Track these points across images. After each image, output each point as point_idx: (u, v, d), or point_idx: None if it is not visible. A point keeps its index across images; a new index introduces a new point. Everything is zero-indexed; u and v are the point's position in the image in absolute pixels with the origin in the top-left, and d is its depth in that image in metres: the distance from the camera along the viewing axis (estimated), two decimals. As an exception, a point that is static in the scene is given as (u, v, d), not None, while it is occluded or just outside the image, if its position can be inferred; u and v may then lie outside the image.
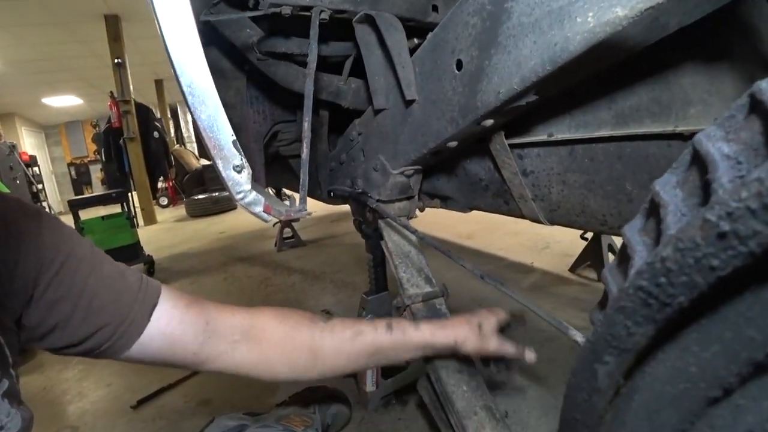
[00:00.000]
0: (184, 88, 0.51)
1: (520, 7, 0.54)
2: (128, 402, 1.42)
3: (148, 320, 0.53)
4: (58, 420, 1.39)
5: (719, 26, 0.53)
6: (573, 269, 2.09)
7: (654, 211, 0.25)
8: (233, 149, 0.54)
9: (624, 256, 0.26)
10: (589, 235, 2.02)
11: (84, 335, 0.49)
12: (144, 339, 0.53)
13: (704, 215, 0.19)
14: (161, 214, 6.62)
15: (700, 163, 0.22)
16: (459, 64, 0.65)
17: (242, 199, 0.57)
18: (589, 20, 0.46)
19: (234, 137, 0.54)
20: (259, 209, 0.59)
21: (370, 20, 0.78)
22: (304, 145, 0.63)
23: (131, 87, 5.29)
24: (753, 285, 0.22)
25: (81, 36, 5.87)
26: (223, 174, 0.55)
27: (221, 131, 0.53)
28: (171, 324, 0.56)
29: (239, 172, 0.55)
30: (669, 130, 0.57)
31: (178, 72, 0.50)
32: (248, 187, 0.57)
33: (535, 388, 1.24)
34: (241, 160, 0.55)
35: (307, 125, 0.64)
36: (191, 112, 0.52)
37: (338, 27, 0.84)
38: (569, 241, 2.54)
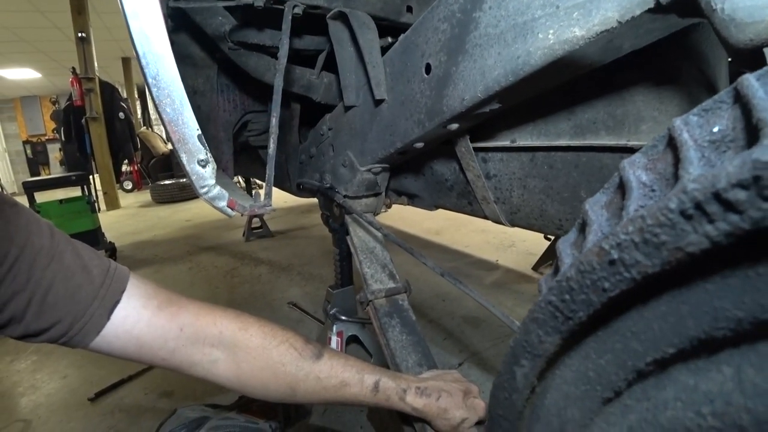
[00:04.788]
0: (149, 80, 0.50)
1: (487, 18, 0.56)
2: (85, 394, 1.38)
3: (108, 319, 0.51)
4: (9, 414, 1.33)
5: (671, 50, 0.57)
6: (536, 267, 2.17)
7: (583, 227, 0.27)
8: (198, 144, 0.54)
9: (556, 268, 0.29)
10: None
11: (39, 329, 0.48)
12: (107, 336, 0.51)
13: (600, 243, 0.22)
14: (125, 199, 6.37)
15: (622, 187, 0.24)
16: (428, 68, 0.67)
17: (206, 193, 0.57)
18: (549, 37, 0.48)
19: (199, 131, 0.54)
20: (222, 204, 0.58)
21: (343, 17, 0.78)
22: (271, 141, 0.63)
23: (95, 64, 5.03)
24: (636, 305, 0.26)
25: (41, 5, 5.53)
26: (188, 168, 0.54)
27: (186, 125, 0.52)
28: (138, 326, 0.52)
29: (204, 166, 0.55)
30: (622, 143, 0.60)
31: (143, 63, 0.49)
32: (212, 181, 0.56)
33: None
34: (206, 154, 0.55)
35: (274, 121, 0.64)
36: (156, 105, 0.51)
37: (313, 21, 0.84)
38: (534, 240, 2.63)
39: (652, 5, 0.41)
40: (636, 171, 0.24)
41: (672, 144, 0.22)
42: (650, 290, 0.24)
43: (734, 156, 0.17)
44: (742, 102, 0.19)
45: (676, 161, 0.20)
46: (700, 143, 0.20)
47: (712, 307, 0.22)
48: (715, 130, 0.20)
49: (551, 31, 0.48)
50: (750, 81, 0.19)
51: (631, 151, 0.60)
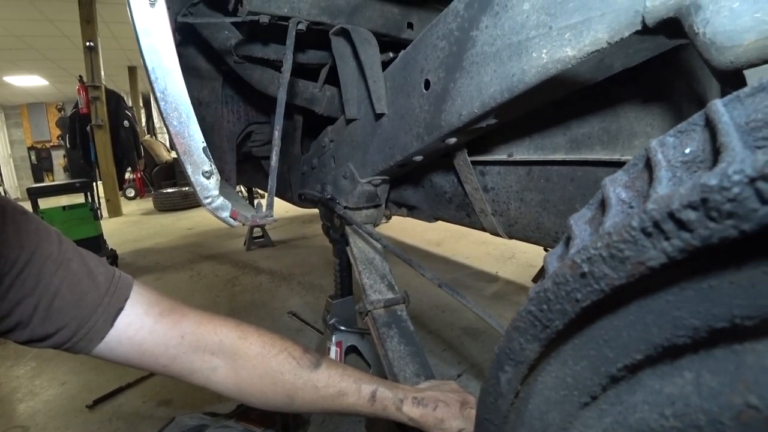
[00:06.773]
0: (157, 94, 0.52)
1: (484, 37, 0.58)
2: (84, 401, 1.38)
3: (111, 325, 0.52)
4: (7, 420, 1.33)
5: (662, 67, 0.59)
6: (536, 280, 2.16)
7: (567, 242, 0.29)
8: (203, 155, 0.56)
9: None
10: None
11: (44, 334, 0.49)
12: (110, 342, 0.52)
13: (573, 257, 0.24)
14: (127, 206, 6.41)
15: (603, 203, 0.26)
16: (427, 84, 0.69)
17: (210, 204, 0.59)
18: (543, 56, 0.50)
19: (204, 144, 0.55)
20: (225, 214, 0.60)
21: (345, 33, 0.81)
22: (274, 153, 0.64)
23: (102, 72, 5.11)
24: (607, 314, 0.27)
25: (51, 14, 5.64)
26: (192, 179, 0.56)
27: (192, 138, 0.54)
28: (140, 333, 0.54)
29: (208, 177, 0.57)
30: (616, 158, 0.62)
31: (152, 78, 0.51)
32: (216, 192, 0.58)
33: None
34: (210, 166, 0.56)
35: (277, 133, 0.66)
36: (163, 118, 0.53)
37: (316, 36, 0.86)
38: (534, 252, 2.63)
39: (639, 27, 0.42)
40: (616, 188, 0.25)
41: (648, 164, 0.23)
42: (619, 301, 0.26)
43: (688, 179, 0.19)
44: (710, 126, 0.20)
45: (651, 180, 0.21)
46: (673, 163, 0.22)
47: (672, 316, 0.24)
48: (687, 151, 0.21)
49: (544, 51, 0.50)
50: (717, 106, 0.21)
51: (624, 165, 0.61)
